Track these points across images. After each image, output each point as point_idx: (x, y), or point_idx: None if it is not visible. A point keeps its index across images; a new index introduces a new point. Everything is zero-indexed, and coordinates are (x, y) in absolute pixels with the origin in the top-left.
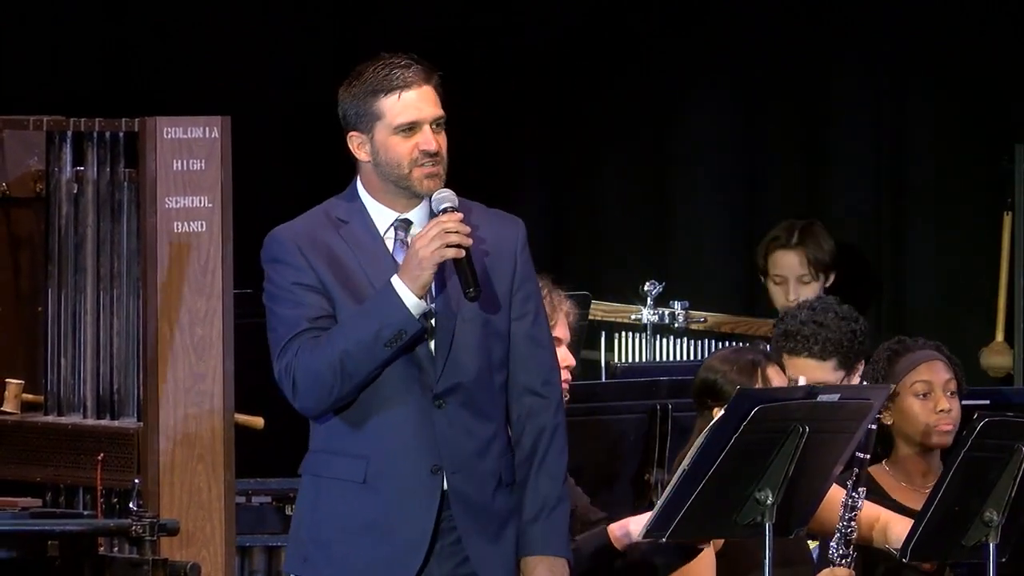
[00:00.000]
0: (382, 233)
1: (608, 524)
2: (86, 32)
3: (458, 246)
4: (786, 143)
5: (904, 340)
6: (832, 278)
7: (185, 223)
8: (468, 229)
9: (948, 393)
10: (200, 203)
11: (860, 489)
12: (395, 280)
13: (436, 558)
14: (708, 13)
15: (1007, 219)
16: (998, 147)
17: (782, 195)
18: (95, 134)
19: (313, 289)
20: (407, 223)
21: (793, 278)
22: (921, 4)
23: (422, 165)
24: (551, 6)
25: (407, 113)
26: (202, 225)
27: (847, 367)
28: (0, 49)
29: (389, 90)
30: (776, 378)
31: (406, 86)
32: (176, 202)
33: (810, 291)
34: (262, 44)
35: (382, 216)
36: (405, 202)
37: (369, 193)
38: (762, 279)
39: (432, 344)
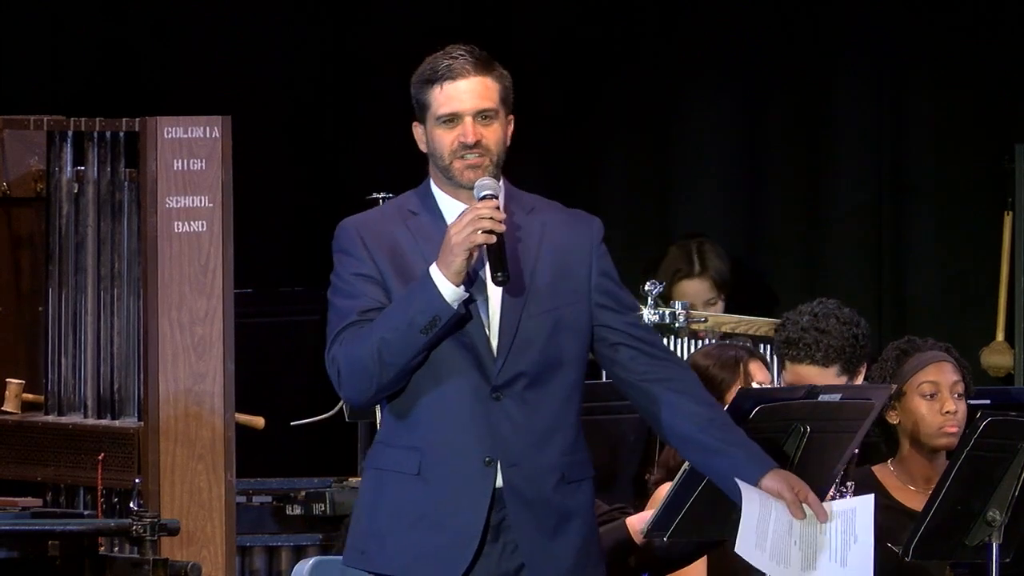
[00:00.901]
0: (449, 225)
1: (625, 517)
2: (86, 32)
3: (490, 232)
4: (786, 143)
5: (913, 340)
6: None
7: (185, 223)
8: (503, 216)
9: (955, 395)
10: (200, 203)
11: (848, 483)
12: (432, 268)
13: (488, 552)
14: (708, 13)
15: (1007, 219)
16: (998, 147)
17: (782, 195)
18: (95, 134)
19: (371, 280)
20: None
21: (700, 303)
22: (921, 4)
23: (462, 157)
24: (550, 6)
25: (448, 104)
26: (202, 225)
27: (850, 372)
28: (0, 49)
29: (435, 80)
30: (758, 373)
31: (451, 77)
32: (176, 202)
33: (716, 311)
34: (262, 44)
35: (450, 208)
36: (468, 194)
37: (437, 185)
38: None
39: (494, 338)
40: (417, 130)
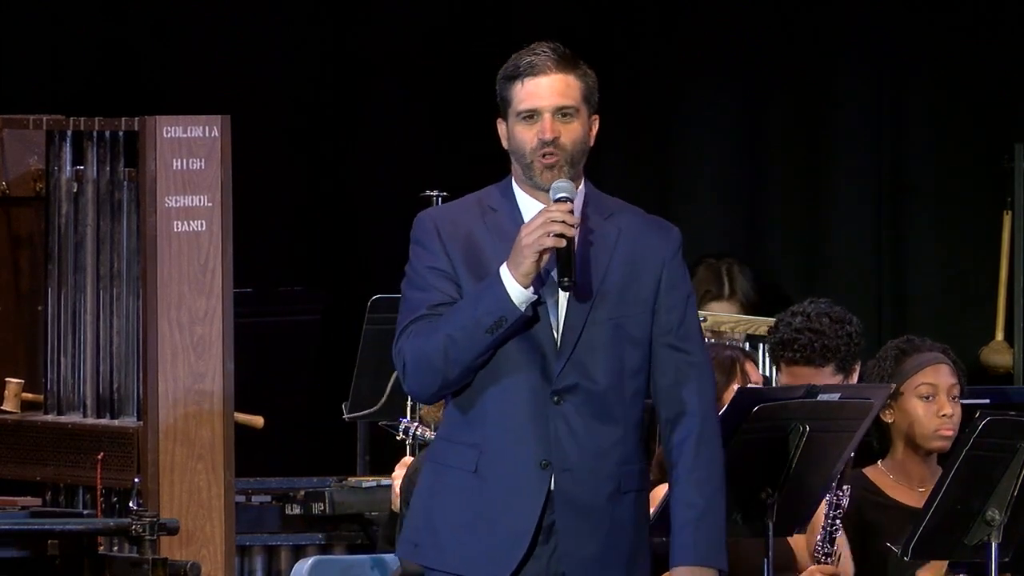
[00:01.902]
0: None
1: None
2: (86, 32)
3: (561, 235)
4: (786, 143)
5: (912, 340)
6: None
7: (185, 222)
8: (575, 220)
9: (951, 397)
10: (200, 202)
11: (844, 487)
12: (502, 268)
13: (539, 554)
14: (708, 13)
15: (1007, 219)
16: (998, 147)
17: (782, 195)
18: (95, 133)
19: (443, 275)
20: None
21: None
22: (921, 4)
23: (543, 155)
24: (550, 6)
25: (528, 100)
26: (202, 224)
27: (844, 370)
28: (0, 49)
29: (516, 76)
30: (754, 374)
31: (532, 73)
32: (176, 201)
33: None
34: (262, 44)
35: (529, 207)
36: (547, 194)
37: (517, 183)
38: None
39: (558, 340)
40: (500, 127)
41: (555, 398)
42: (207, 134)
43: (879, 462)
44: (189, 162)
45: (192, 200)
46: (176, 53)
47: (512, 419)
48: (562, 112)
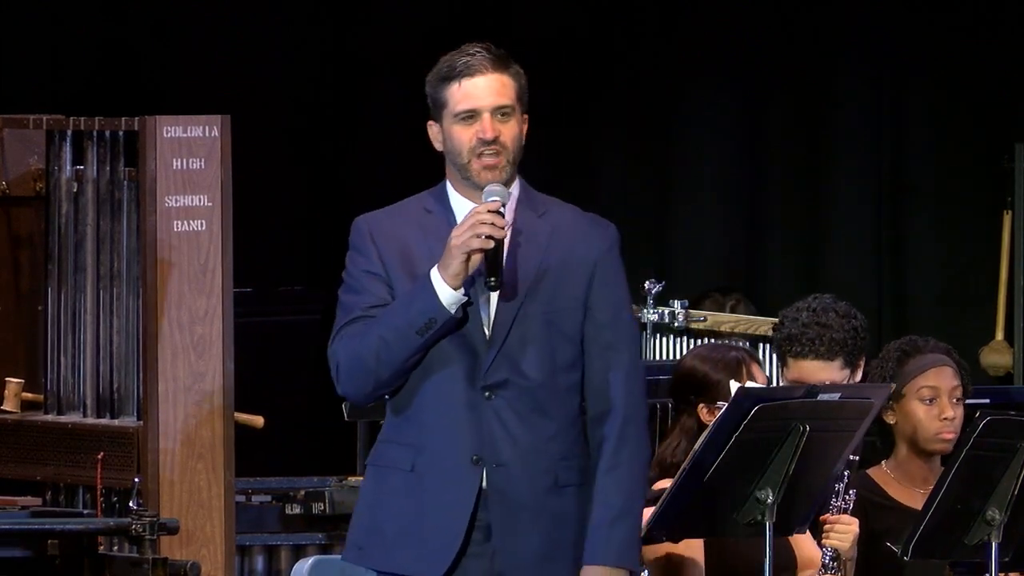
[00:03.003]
0: None
1: None
2: (86, 32)
3: (489, 237)
4: (786, 143)
5: (915, 341)
6: None
7: (185, 222)
8: (503, 221)
9: (953, 400)
10: (200, 202)
11: (851, 492)
12: (433, 270)
13: (479, 552)
14: (708, 13)
15: (1007, 219)
16: (998, 147)
17: (782, 195)
18: (95, 133)
19: (376, 278)
20: None
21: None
22: (921, 4)
23: (480, 155)
24: (550, 6)
25: (466, 100)
26: (202, 224)
27: (851, 365)
28: (0, 49)
29: (453, 77)
30: (760, 376)
31: (469, 74)
32: (176, 201)
33: None
34: (262, 44)
35: (463, 208)
36: (481, 194)
37: (452, 185)
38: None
39: (488, 335)
40: (432, 129)
41: (486, 393)
42: (207, 134)
43: (882, 463)
44: (189, 162)
45: (192, 200)
46: (176, 53)
47: (445, 416)
48: (501, 111)
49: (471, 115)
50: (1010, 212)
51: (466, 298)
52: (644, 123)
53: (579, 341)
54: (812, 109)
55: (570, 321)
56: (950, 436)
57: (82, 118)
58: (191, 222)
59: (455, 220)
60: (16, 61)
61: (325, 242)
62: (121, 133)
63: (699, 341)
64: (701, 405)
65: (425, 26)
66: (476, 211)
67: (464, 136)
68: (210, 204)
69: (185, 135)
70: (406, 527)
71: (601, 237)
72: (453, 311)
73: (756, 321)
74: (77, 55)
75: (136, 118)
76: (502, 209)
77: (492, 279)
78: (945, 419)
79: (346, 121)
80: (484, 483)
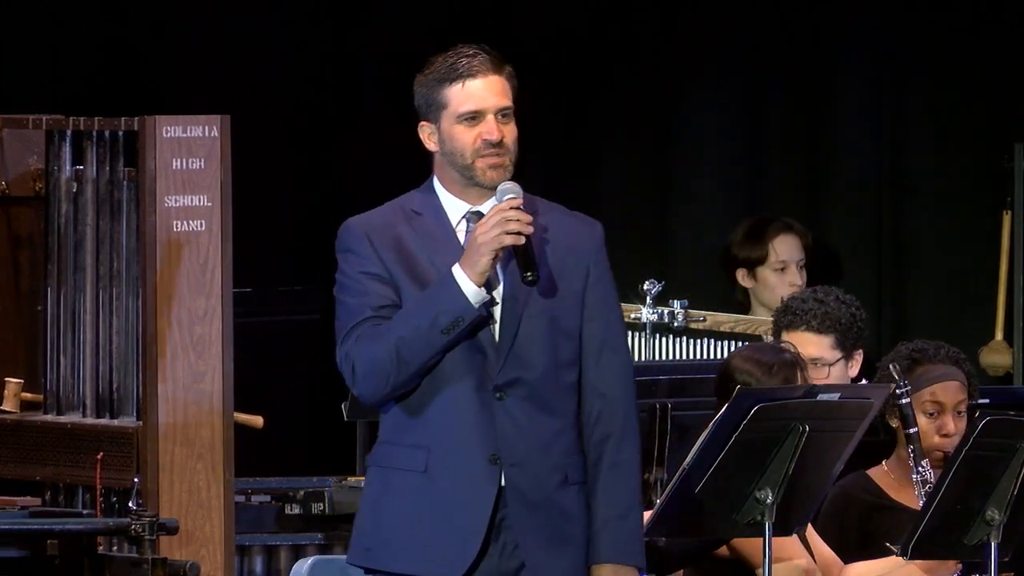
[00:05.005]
0: (454, 225)
1: None
2: (86, 32)
3: (518, 233)
4: (786, 143)
5: (927, 349)
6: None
7: (184, 222)
8: (529, 218)
9: (956, 413)
10: (199, 202)
11: (924, 462)
12: (455, 268)
13: (492, 551)
14: (708, 13)
15: (1007, 219)
16: (998, 147)
17: (782, 195)
18: (95, 133)
19: (379, 279)
20: (479, 215)
21: (795, 263)
22: (921, 4)
23: (485, 155)
24: (550, 6)
25: (470, 102)
26: (201, 224)
27: (845, 349)
28: (0, 49)
29: (454, 79)
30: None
31: (471, 75)
32: (175, 201)
33: (804, 277)
34: (262, 44)
35: (455, 208)
36: (477, 194)
37: (443, 185)
38: (740, 274)
39: (496, 336)
40: (425, 130)
41: (498, 394)
42: (207, 134)
43: (883, 462)
44: (189, 162)
45: (192, 200)
46: (176, 53)
47: (458, 417)
48: (502, 112)
49: (475, 116)
50: (1010, 212)
51: (489, 296)
52: (644, 123)
53: (578, 338)
54: (812, 109)
55: (571, 319)
56: (949, 451)
57: (82, 118)
58: (191, 222)
59: (447, 220)
60: (16, 61)
61: (325, 242)
62: (121, 133)
63: (698, 341)
64: None
65: (425, 26)
66: (499, 208)
67: (467, 137)
68: (210, 204)
69: (185, 135)
70: (419, 529)
71: (591, 236)
72: (478, 309)
73: (756, 321)
74: (77, 55)
75: (136, 118)
76: (521, 202)
77: (528, 274)
78: (945, 435)
79: (346, 121)
80: (502, 482)
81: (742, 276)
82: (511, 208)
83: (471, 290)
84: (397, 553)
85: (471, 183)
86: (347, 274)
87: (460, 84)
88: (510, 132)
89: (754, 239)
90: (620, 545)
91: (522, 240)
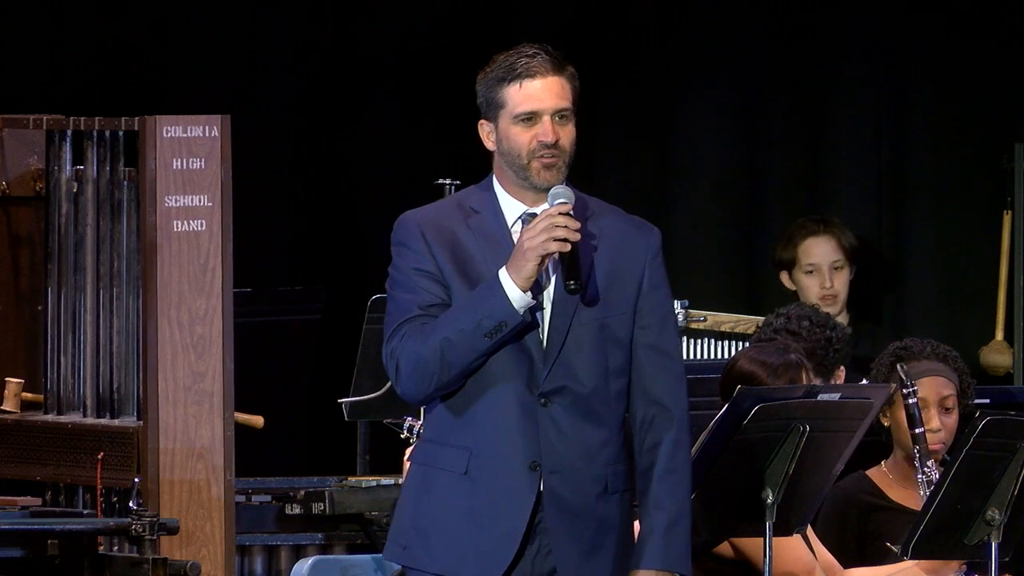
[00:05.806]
0: (510, 225)
1: None
2: (86, 32)
3: (564, 240)
4: (786, 143)
5: (910, 347)
6: (854, 269)
7: (185, 222)
8: (577, 224)
9: (943, 409)
10: (200, 202)
11: (929, 462)
12: (502, 272)
13: (527, 554)
14: (708, 13)
15: (1007, 219)
16: (998, 147)
17: (782, 195)
18: (95, 133)
19: (430, 276)
20: (534, 217)
21: (827, 265)
22: (921, 4)
23: (540, 156)
24: (550, 6)
25: (527, 103)
26: (202, 224)
27: (823, 374)
28: (0, 49)
29: (512, 79)
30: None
31: (529, 75)
32: (176, 201)
33: (841, 278)
34: (262, 44)
35: (511, 208)
36: (533, 196)
37: (501, 184)
38: (783, 277)
39: (544, 342)
40: (484, 128)
41: (543, 400)
42: (207, 134)
43: (882, 463)
44: (189, 162)
45: (192, 200)
46: (176, 53)
47: (501, 421)
48: (560, 114)
49: (531, 117)
50: (1010, 212)
51: (534, 301)
52: (644, 122)
53: (629, 346)
54: (812, 109)
55: (622, 326)
56: (937, 447)
57: (82, 118)
58: (191, 222)
59: (504, 221)
60: (16, 61)
61: (325, 242)
62: (121, 133)
63: (698, 341)
64: None
65: (425, 26)
66: (548, 213)
67: (523, 138)
68: (210, 204)
69: (185, 135)
70: (457, 529)
71: (648, 242)
72: (522, 314)
73: (756, 321)
74: (77, 55)
75: (136, 118)
76: (571, 208)
77: (572, 282)
78: (930, 430)
79: (346, 121)
80: (541, 488)
81: (785, 279)
82: (560, 214)
83: (516, 295)
84: (433, 553)
85: (526, 184)
86: (399, 268)
87: (518, 84)
88: (567, 134)
89: (786, 241)
90: (669, 552)
91: (568, 247)
